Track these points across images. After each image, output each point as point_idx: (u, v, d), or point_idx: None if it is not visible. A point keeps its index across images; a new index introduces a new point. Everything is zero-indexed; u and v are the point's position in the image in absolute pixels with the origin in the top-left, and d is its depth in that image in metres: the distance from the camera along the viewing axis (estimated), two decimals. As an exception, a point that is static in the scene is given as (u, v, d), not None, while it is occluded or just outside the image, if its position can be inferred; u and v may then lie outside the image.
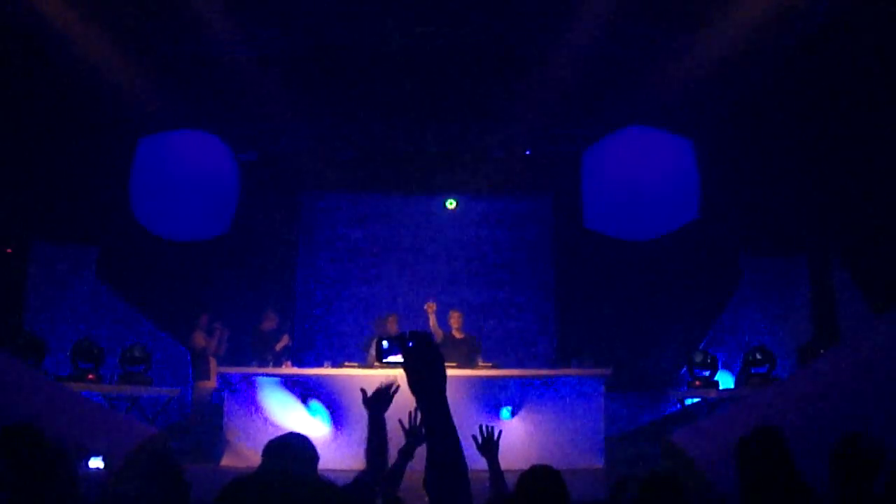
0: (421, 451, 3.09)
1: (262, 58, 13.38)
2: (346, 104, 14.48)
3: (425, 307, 13.37)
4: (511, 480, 5.17)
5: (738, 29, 11.77)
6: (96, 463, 7.40)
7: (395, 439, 4.83)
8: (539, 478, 4.93)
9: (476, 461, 5.07)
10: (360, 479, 4.54)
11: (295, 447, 4.38)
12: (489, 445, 5.40)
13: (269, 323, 14.12)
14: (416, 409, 5.02)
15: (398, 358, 2.76)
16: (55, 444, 4.83)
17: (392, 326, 13.08)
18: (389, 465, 4.76)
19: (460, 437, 2.58)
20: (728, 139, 13.77)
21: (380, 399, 4.70)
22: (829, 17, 11.43)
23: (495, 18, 12.71)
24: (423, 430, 4.66)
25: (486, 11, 12.60)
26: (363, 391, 4.79)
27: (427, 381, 2.62)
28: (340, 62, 13.53)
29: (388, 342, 2.91)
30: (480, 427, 5.44)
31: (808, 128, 12.92)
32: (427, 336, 2.68)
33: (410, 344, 2.66)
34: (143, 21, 12.49)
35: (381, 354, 2.93)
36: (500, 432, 5.50)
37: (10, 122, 12.56)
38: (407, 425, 5.07)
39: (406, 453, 4.97)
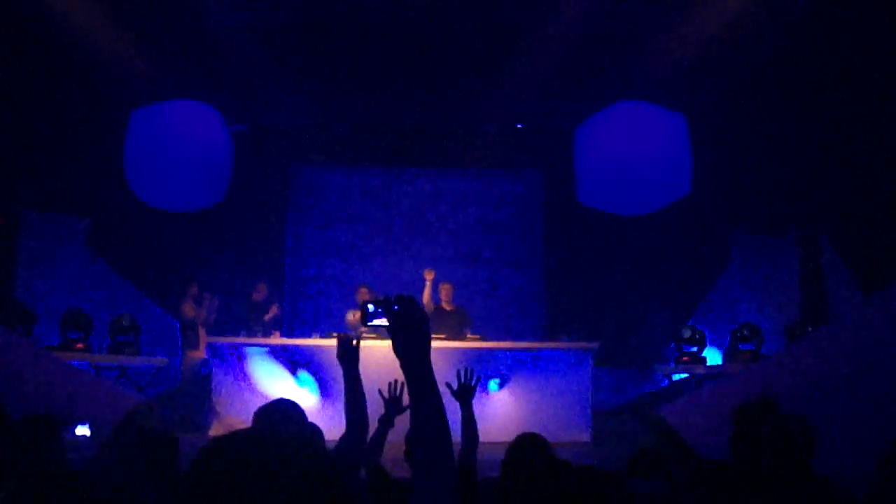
0: (402, 422, 3.06)
1: (254, 28, 13.33)
2: (337, 77, 14.44)
3: (424, 273, 13.44)
4: (498, 453, 5.18)
5: (730, 4, 11.76)
6: (83, 430, 7.42)
7: (376, 408, 4.84)
8: (526, 446, 4.95)
9: (458, 433, 5.09)
10: (340, 447, 4.48)
11: (283, 412, 4.37)
12: (465, 391, 5.37)
13: (259, 294, 14.12)
14: (394, 380, 5.01)
15: (383, 321, 2.74)
16: (39, 413, 4.83)
17: (364, 297, 13.09)
18: (370, 432, 4.72)
19: (446, 408, 2.55)
20: (720, 115, 13.77)
21: (346, 351, 4.56)
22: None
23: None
24: (403, 398, 4.64)
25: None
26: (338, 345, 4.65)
27: (412, 345, 2.60)
28: (331, 35, 13.47)
29: (374, 305, 2.88)
30: (458, 372, 5.42)
31: (801, 106, 12.91)
32: (412, 299, 2.66)
33: (396, 307, 2.64)
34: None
35: (367, 318, 2.90)
36: (479, 378, 5.49)
37: (1, 93, 12.51)
38: (387, 394, 5.06)
39: (386, 421, 4.95)
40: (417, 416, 2.54)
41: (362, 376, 4.51)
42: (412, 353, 2.59)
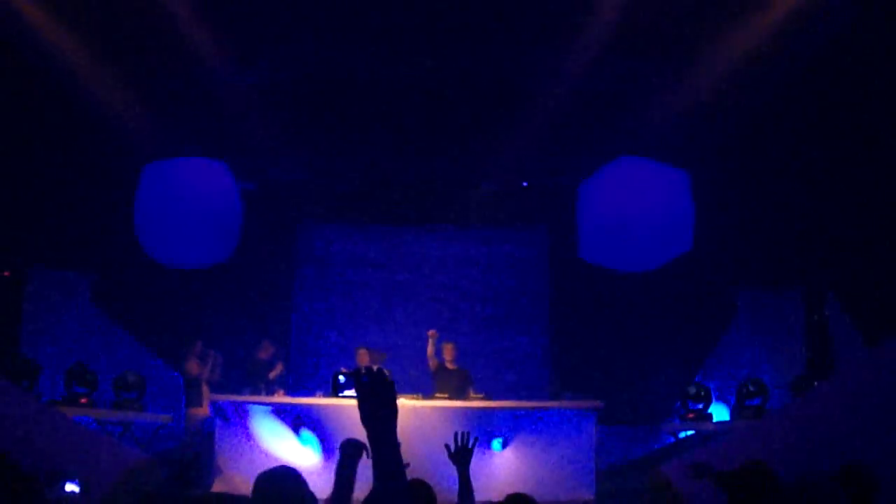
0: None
1: (261, 89, 13.47)
2: (343, 137, 14.54)
3: (428, 334, 13.47)
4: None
5: (731, 60, 11.83)
6: (71, 487, 7.39)
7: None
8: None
9: (451, 493, 5.04)
10: None
11: (283, 480, 4.27)
12: (462, 455, 5.33)
13: (265, 352, 14.09)
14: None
15: (352, 392, 2.80)
16: (25, 470, 4.80)
17: (363, 359, 13.13)
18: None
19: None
20: (723, 171, 13.79)
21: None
22: (822, 49, 11.48)
23: (490, 52, 12.77)
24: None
25: (480, 46, 12.66)
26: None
27: (378, 416, 2.66)
28: (337, 95, 13.61)
29: (345, 377, 2.94)
30: (455, 434, 5.38)
31: (803, 160, 12.95)
32: (381, 373, 2.73)
33: (365, 379, 2.70)
34: (144, 51, 12.56)
35: (337, 389, 2.95)
36: (476, 439, 5.44)
37: (9, 149, 12.62)
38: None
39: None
40: (380, 485, 2.60)
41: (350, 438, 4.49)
42: (377, 423, 2.66)
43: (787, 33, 11.37)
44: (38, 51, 11.89)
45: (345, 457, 4.68)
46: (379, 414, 2.67)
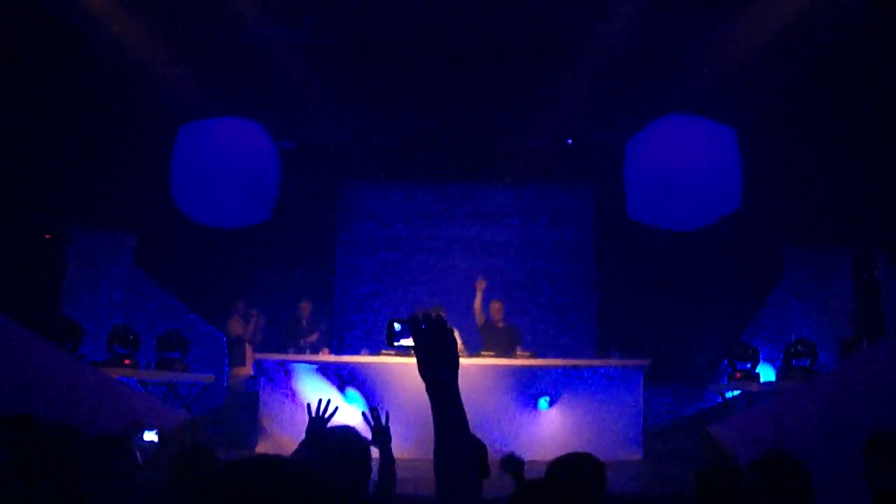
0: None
1: (302, 46, 13.33)
2: (385, 93, 14.40)
3: (476, 284, 13.47)
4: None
5: (781, 14, 11.58)
6: (150, 436, 7.54)
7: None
8: (574, 466, 4.73)
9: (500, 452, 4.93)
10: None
11: (345, 442, 4.08)
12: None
13: (304, 312, 14.03)
14: (372, 408, 4.71)
15: (409, 341, 2.63)
16: (57, 429, 4.75)
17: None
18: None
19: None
20: (772, 128, 13.58)
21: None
22: (875, 3, 11.21)
23: (536, 6, 12.57)
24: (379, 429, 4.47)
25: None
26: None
27: (439, 366, 2.50)
28: (380, 51, 13.45)
29: (401, 325, 2.75)
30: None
31: (854, 117, 12.70)
32: (440, 319, 2.55)
33: (423, 326, 2.54)
34: (183, 9, 12.45)
35: (392, 338, 2.76)
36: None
37: (51, 110, 12.61)
38: (372, 422, 4.66)
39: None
40: (442, 437, 2.44)
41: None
42: (438, 374, 2.49)
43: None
44: (78, 13, 11.82)
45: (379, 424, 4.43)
46: (439, 363, 2.51)
